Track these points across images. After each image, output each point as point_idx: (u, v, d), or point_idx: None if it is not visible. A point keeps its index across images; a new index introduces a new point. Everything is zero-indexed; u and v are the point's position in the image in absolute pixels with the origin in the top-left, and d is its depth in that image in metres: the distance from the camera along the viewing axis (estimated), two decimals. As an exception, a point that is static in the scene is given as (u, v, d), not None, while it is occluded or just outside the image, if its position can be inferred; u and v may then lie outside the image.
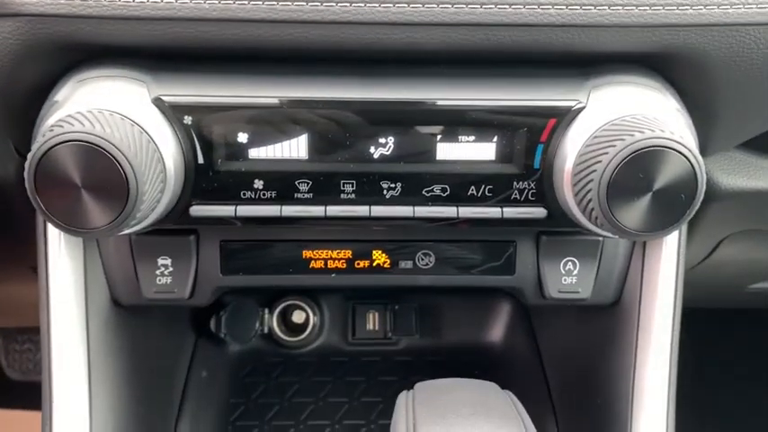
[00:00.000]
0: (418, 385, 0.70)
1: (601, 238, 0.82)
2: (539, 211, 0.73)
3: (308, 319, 1.18)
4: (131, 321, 0.89)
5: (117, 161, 0.63)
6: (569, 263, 0.84)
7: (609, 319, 0.89)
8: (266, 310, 1.16)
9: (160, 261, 0.83)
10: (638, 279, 0.84)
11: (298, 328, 1.19)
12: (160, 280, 0.83)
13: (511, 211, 0.73)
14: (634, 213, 0.65)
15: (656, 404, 0.81)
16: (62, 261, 0.77)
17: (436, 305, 1.18)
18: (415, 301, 1.16)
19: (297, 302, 1.19)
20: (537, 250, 0.83)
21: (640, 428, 0.81)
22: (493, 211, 0.73)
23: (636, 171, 0.64)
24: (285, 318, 1.19)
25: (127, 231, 0.71)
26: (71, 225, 0.65)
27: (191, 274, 0.82)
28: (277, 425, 1.05)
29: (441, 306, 1.18)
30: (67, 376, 0.78)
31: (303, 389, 1.11)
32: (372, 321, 1.19)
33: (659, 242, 0.81)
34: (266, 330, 1.15)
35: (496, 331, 1.17)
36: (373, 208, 0.73)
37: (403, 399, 0.68)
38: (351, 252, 0.83)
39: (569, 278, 0.84)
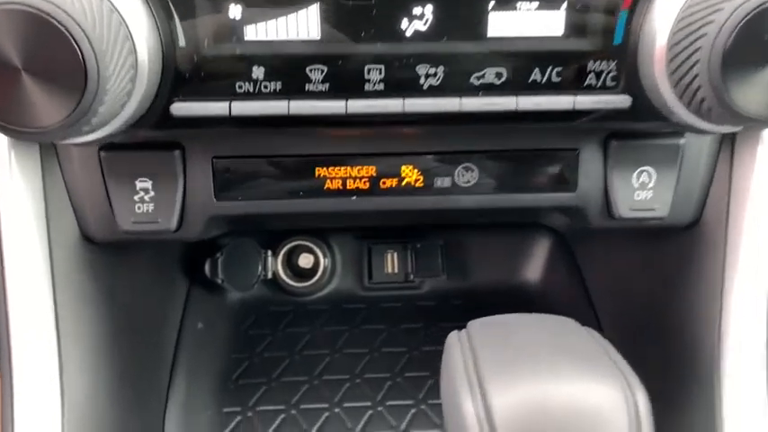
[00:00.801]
0: (472, 324, 0.55)
1: (682, 142, 0.67)
2: (621, 100, 0.57)
3: (317, 262, 1.03)
4: (107, 262, 0.74)
5: (70, 33, 0.47)
6: (644, 173, 0.69)
7: (683, 244, 0.74)
8: (269, 253, 1.01)
9: (139, 184, 0.67)
10: (724, 193, 0.69)
11: (305, 274, 1.04)
12: (139, 207, 0.67)
13: (585, 101, 0.57)
14: (755, 91, 0.50)
15: (752, 349, 0.67)
16: (14, 185, 0.61)
17: (464, 242, 1.03)
18: (439, 237, 1.01)
19: (304, 243, 1.04)
20: (605, 159, 0.68)
21: (733, 381, 0.67)
22: (562, 101, 0.57)
23: (760, 33, 0.49)
24: (291, 262, 1.04)
25: (91, 138, 0.56)
26: (11, 124, 0.49)
27: (177, 200, 0.66)
28: (287, 381, 0.91)
29: (469, 243, 1.03)
30: (30, 333, 0.63)
31: (315, 340, 0.97)
32: (391, 262, 1.04)
33: (752, 145, 0.66)
34: (270, 275, 1.00)
35: (534, 269, 1.02)
36: (408, 101, 0.57)
37: (455, 342, 0.54)
38: (375, 169, 0.67)
39: (643, 192, 0.69)
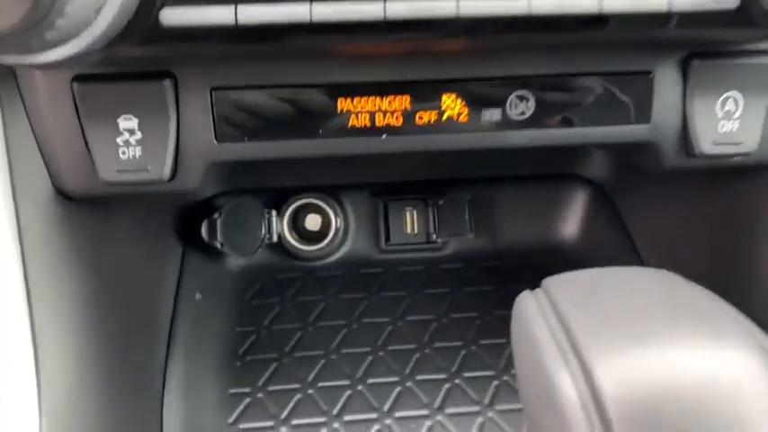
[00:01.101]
0: (550, 282, 0.45)
1: (775, 62, 0.56)
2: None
3: (326, 223, 0.92)
4: (88, 223, 0.62)
5: None
6: (729, 100, 0.58)
7: (764, 186, 0.64)
8: (273, 213, 0.89)
9: (122, 123, 0.55)
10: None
11: (314, 237, 0.93)
12: (124, 153, 0.55)
13: (683, 1, 0.46)
14: None
15: None
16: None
17: (493, 197, 0.92)
18: (465, 192, 0.90)
19: (313, 202, 0.92)
20: (684, 84, 0.57)
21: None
22: (655, 2, 0.46)
23: None
24: (297, 225, 0.93)
25: (59, 55, 0.44)
26: (-52, 29, 0.37)
27: (170, 142, 0.55)
28: (301, 357, 0.80)
29: (498, 198, 0.92)
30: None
31: (329, 310, 0.86)
32: (411, 222, 0.93)
33: None
34: (275, 238, 0.89)
35: (572, 225, 0.91)
36: (463, 3, 0.45)
37: (533, 305, 0.43)
38: (409, 100, 0.56)
39: (729, 123, 0.58)
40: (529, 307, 0.43)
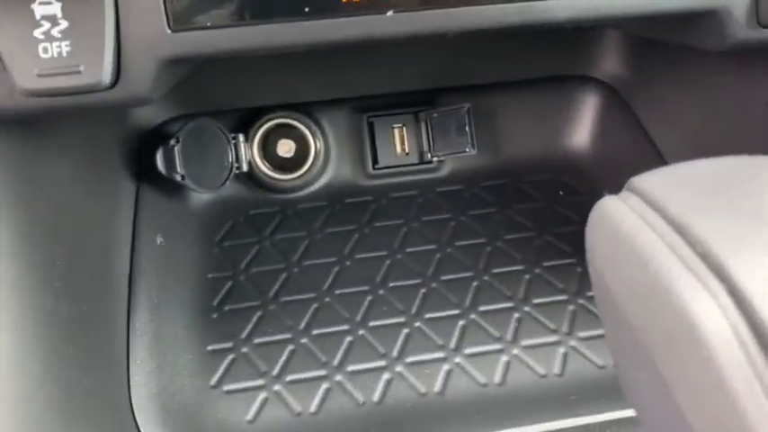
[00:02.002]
0: (641, 182, 0.33)
1: None
2: None
3: (302, 149, 0.79)
4: (14, 150, 0.48)
5: None
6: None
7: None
8: (240, 137, 0.76)
9: (39, 9, 0.41)
10: None
11: (289, 165, 0.80)
12: (46, 50, 0.42)
13: None
14: None
15: None
16: None
17: (495, 105, 0.81)
18: (464, 99, 0.78)
19: (285, 123, 0.79)
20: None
21: None
22: None
23: None
24: (267, 153, 0.80)
25: None
26: None
27: (107, 31, 0.41)
28: (288, 301, 0.69)
29: (501, 106, 0.81)
30: None
31: (316, 247, 0.74)
32: (401, 140, 0.81)
33: None
34: (245, 167, 0.76)
35: (587, 133, 0.81)
36: None
37: (625, 211, 0.32)
38: (420, -38, 0.44)
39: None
40: (621, 214, 0.32)
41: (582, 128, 0.80)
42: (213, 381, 0.60)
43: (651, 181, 0.34)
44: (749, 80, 0.64)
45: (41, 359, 0.48)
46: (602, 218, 0.33)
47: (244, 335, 0.64)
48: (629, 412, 0.52)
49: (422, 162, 0.80)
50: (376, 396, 0.59)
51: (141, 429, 0.53)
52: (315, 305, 0.67)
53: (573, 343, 0.62)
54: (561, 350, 0.62)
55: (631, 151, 0.77)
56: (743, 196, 0.30)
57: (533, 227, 0.75)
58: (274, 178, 0.77)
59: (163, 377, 0.58)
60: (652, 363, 0.29)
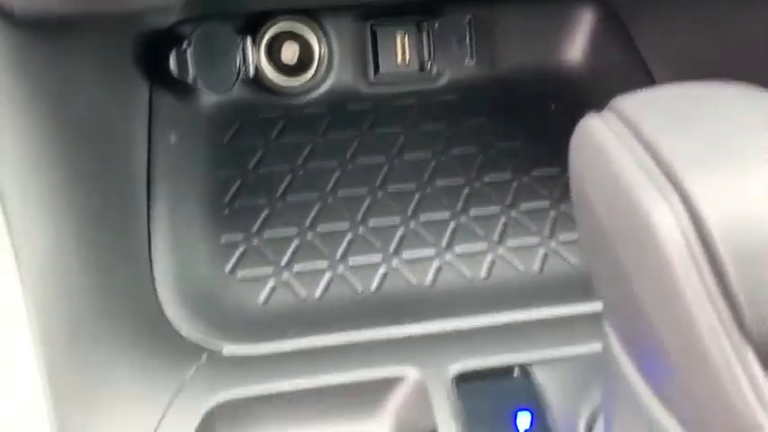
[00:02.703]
0: (621, 103, 0.38)
1: None
2: None
3: (305, 55, 0.82)
4: (47, 56, 0.52)
5: None
6: None
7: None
8: (249, 41, 0.79)
9: None
10: None
11: (292, 71, 0.83)
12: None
13: None
14: None
15: None
16: None
17: (494, 18, 0.83)
18: (465, 11, 0.80)
19: (290, 29, 0.81)
20: None
21: None
22: None
23: None
24: (272, 57, 0.82)
25: None
26: None
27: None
28: (294, 201, 0.74)
29: (500, 19, 0.83)
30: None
31: (318, 150, 0.79)
32: (402, 48, 0.83)
33: None
34: (252, 72, 0.79)
35: (581, 49, 0.84)
36: None
37: (603, 129, 0.37)
38: None
39: None
40: (601, 131, 0.37)
41: (577, 44, 0.84)
42: (227, 269, 0.66)
43: (630, 102, 0.39)
44: (746, 8, 0.67)
45: (79, 252, 0.54)
46: (584, 135, 0.38)
47: (254, 229, 0.70)
48: (598, 306, 0.59)
49: (421, 71, 0.83)
50: (373, 286, 0.65)
51: (165, 310, 0.59)
52: (318, 205, 0.72)
53: (553, 245, 0.69)
54: (542, 251, 0.68)
55: (623, 70, 0.80)
56: (709, 120, 0.35)
57: (524, 138, 0.80)
58: (279, 83, 0.81)
59: (182, 266, 0.64)
60: (617, 259, 0.35)
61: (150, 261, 0.62)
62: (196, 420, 0.49)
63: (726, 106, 0.36)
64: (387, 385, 0.52)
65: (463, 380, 0.52)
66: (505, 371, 0.52)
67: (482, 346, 0.55)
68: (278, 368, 0.54)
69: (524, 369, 0.52)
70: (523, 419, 0.49)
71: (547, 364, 0.52)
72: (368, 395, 0.52)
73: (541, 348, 0.55)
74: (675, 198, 0.31)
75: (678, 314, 0.32)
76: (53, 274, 0.49)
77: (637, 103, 0.38)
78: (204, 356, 0.55)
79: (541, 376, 0.51)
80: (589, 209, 0.37)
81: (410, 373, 0.52)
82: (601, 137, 0.37)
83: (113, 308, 0.55)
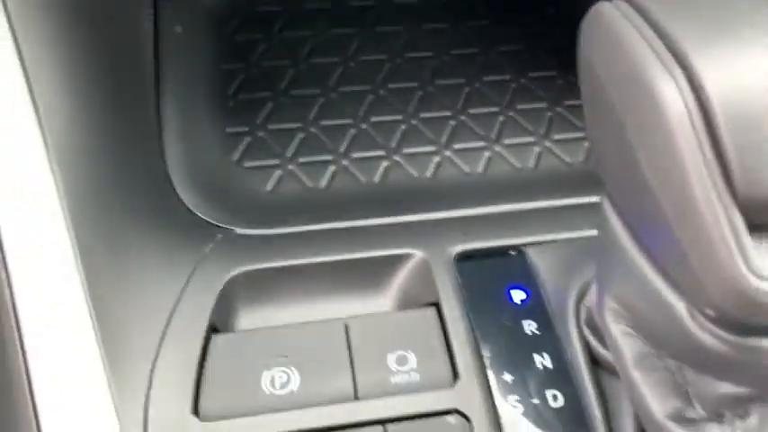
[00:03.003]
0: None
1: None
2: None
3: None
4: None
5: None
6: None
7: None
8: (252, -68, 0.78)
9: None
10: None
11: (293, -35, 0.83)
12: None
13: None
14: None
15: None
16: None
17: None
18: None
19: None
20: None
21: None
22: None
23: None
24: (272, -50, 0.81)
25: None
26: None
27: None
28: (297, 95, 0.75)
29: None
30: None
31: (320, 46, 0.79)
32: (404, -54, 0.83)
33: None
34: (254, -36, 0.79)
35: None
36: None
37: (617, 15, 0.39)
38: None
39: None
40: (612, 16, 0.39)
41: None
42: (235, 158, 0.68)
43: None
44: None
45: (99, 132, 0.55)
46: (595, 19, 0.40)
47: (258, 121, 0.71)
48: (590, 199, 0.63)
49: (424, -32, 0.83)
50: (376, 179, 0.68)
51: (180, 194, 0.61)
52: (321, 100, 0.74)
53: (547, 143, 0.72)
54: (536, 149, 0.71)
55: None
56: (715, 4, 0.38)
57: (523, 40, 0.81)
58: (282, -23, 0.80)
59: (192, 153, 0.66)
60: (623, 133, 0.38)
61: (162, 149, 0.64)
62: (217, 289, 0.52)
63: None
64: (393, 262, 0.56)
65: (463, 258, 0.56)
66: (502, 251, 0.56)
67: (480, 232, 0.59)
68: (289, 247, 0.57)
69: (519, 250, 0.56)
70: (518, 294, 0.54)
71: (540, 246, 0.57)
72: (375, 271, 0.56)
73: (535, 234, 0.59)
74: (679, 72, 0.34)
75: (676, 180, 0.35)
76: (79, 154, 0.51)
77: (647, -11, 0.40)
78: (219, 236, 0.58)
79: (535, 256, 0.56)
80: (599, 88, 0.40)
81: (415, 252, 0.56)
82: (612, 20, 0.39)
83: (133, 189, 0.57)
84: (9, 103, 0.48)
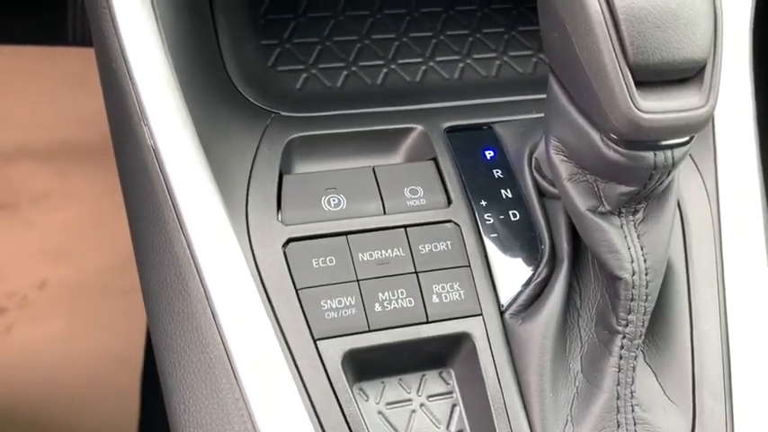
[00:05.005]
0: None
1: None
2: None
3: None
4: None
5: None
6: None
7: None
8: None
9: None
10: None
11: None
12: None
13: None
14: None
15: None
16: None
17: None
18: None
19: None
20: None
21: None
22: None
23: None
24: None
25: None
26: None
27: None
28: (313, 17, 0.95)
29: None
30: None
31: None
32: None
33: None
34: None
35: None
36: None
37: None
38: None
39: None
40: None
41: None
42: (270, 62, 0.88)
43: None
44: None
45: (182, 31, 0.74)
46: None
47: (285, 36, 0.91)
48: (534, 96, 0.86)
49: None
50: (379, 81, 0.90)
51: (238, 88, 0.81)
52: (332, 21, 0.94)
53: (505, 58, 0.95)
54: (497, 62, 0.94)
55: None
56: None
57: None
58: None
59: (239, 56, 0.85)
60: (566, 32, 0.61)
61: (220, 50, 0.84)
62: (280, 149, 0.74)
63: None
64: (403, 133, 0.79)
65: (452, 131, 0.79)
66: (477, 127, 0.80)
67: (461, 115, 0.82)
68: (324, 123, 0.79)
69: (489, 126, 0.80)
70: (489, 153, 0.77)
71: (503, 123, 0.80)
72: (388, 139, 0.79)
73: (499, 117, 0.82)
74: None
75: (594, 54, 0.58)
76: (178, 48, 0.71)
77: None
78: (273, 115, 0.78)
79: (500, 129, 0.79)
80: (552, 6, 0.63)
81: (417, 126, 0.79)
82: None
83: (207, 82, 0.77)
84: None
